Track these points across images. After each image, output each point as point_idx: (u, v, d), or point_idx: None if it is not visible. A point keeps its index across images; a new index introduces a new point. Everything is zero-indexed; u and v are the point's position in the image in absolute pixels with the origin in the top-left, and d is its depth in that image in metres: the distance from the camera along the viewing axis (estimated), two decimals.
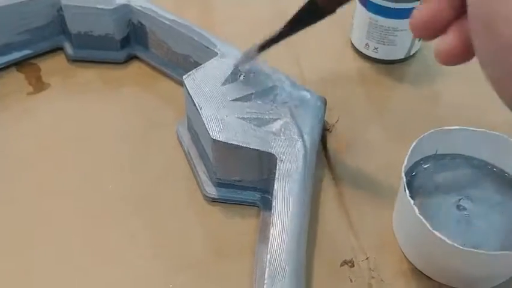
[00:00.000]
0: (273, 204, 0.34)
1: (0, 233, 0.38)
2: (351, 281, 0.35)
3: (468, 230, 0.35)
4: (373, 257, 0.37)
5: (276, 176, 0.35)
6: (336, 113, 0.45)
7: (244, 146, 0.36)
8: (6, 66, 0.47)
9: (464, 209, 0.36)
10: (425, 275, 0.36)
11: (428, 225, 0.32)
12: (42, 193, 0.40)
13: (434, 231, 0.32)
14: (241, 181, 0.39)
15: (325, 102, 0.42)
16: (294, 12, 0.34)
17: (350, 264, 0.36)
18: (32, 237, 0.37)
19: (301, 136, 0.38)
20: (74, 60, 0.48)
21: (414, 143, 0.36)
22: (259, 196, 0.39)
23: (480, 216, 0.35)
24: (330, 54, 0.51)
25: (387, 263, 0.36)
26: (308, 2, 0.33)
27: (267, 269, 0.31)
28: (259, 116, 0.38)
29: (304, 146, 0.37)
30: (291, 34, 0.36)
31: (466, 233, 0.35)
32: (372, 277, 0.36)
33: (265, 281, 0.30)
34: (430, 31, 0.25)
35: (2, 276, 0.36)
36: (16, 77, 0.47)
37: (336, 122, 0.44)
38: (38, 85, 0.46)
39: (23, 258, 0.36)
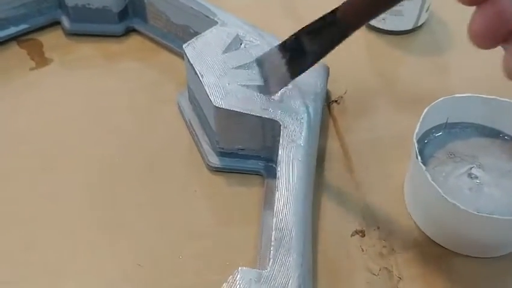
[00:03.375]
0: (278, 169, 0.34)
1: (3, 208, 0.37)
2: (362, 250, 0.35)
3: (480, 197, 0.35)
4: (384, 226, 0.36)
5: (280, 142, 0.35)
6: (343, 85, 0.44)
7: (247, 113, 0.36)
8: (6, 41, 0.47)
9: (476, 177, 0.36)
10: (436, 243, 0.36)
11: (441, 191, 0.32)
12: (46, 167, 0.39)
13: (446, 197, 0.31)
14: (245, 150, 0.38)
15: (327, 70, 0.41)
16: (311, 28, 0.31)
17: (360, 233, 0.36)
18: (37, 211, 0.37)
19: (305, 103, 0.37)
20: (71, 34, 0.47)
21: (426, 110, 0.35)
22: (263, 165, 0.38)
23: (492, 184, 0.35)
24: None
25: (398, 232, 0.36)
26: (329, 14, 0.29)
27: (274, 232, 0.31)
28: (261, 83, 0.37)
29: (308, 112, 0.37)
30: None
31: (477, 201, 0.34)
32: (384, 246, 0.36)
33: (272, 243, 0.30)
34: (493, 40, 0.22)
35: (7, 249, 0.35)
36: (17, 52, 0.47)
37: (344, 93, 0.44)
38: (40, 60, 0.46)
39: (28, 232, 0.36)
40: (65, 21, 0.47)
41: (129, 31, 0.48)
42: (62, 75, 0.45)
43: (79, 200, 0.38)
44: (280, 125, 0.36)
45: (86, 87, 0.44)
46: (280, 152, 0.35)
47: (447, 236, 0.35)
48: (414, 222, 0.37)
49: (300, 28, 0.34)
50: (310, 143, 0.36)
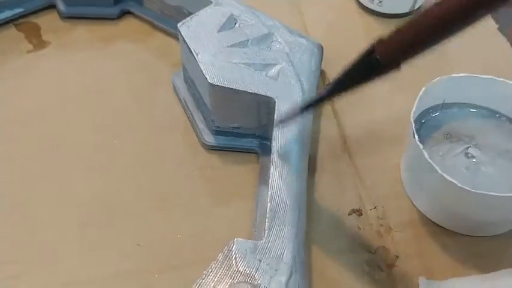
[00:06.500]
0: (273, 144, 0.34)
1: (3, 189, 0.37)
2: (359, 228, 0.36)
3: (477, 176, 0.35)
4: (381, 205, 0.37)
5: (275, 118, 0.35)
6: (341, 67, 0.44)
7: (242, 89, 0.36)
8: (2, 24, 0.47)
9: (473, 156, 0.36)
10: (433, 222, 0.36)
11: (438, 168, 0.32)
12: (44, 148, 0.39)
13: (443, 174, 0.32)
14: (240, 128, 0.39)
15: (321, 49, 0.41)
16: (347, 67, 0.28)
17: (358, 212, 0.36)
18: (36, 192, 0.37)
19: (299, 80, 0.38)
20: (66, 18, 0.47)
21: (423, 89, 0.36)
22: (258, 143, 0.39)
23: (488, 164, 0.35)
24: (335, 8, 0.50)
25: (396, 211, 0.36)
26: (365, 54, 0.26)
27: (269, 204, 0.31)
28: (256, 62, 0.38)
29: (303, 89, 0.37)
30: (341, 93, 0.30)
31: (474, 179, 0.35)
32: (381, 225, 0.36)
33: (267, 215, 0.30)
34: None
35: (9, 230, 0.35)
36: (14, 35, 0.46)
37: None
38: (38, 43, 0.46)
39: (27, 213, 0.36)
40: (61, 5, 0.47)
41: (124, 14, 0.48)
42: (59, 58, 0.45)
43: (77, 180, 0.38)
44: (275, 102, 0.36)
45: (82, 70, 0.44)
46: (275, 130, 0.35)
47: (444, 215, 0.35)
48: (411, 201, 0.37)
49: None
50: (304, 120, 0.36)
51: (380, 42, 0.24)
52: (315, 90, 0.39)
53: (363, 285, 0.33)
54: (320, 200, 0.37)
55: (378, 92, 0.43)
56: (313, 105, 0.33)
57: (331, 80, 0.29)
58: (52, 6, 0.48)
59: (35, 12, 0.48)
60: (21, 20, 0.47)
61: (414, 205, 0.37)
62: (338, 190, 0.38)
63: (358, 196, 0.37)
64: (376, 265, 0.34)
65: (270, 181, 0.32)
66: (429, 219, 0.36)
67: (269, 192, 0.31)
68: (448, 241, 0.35)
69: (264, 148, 0.38)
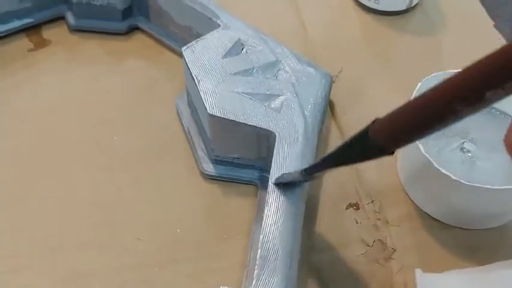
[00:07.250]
0: (269, 182, 0.33)
1: (5, 185, 0.37)
2: (356, 222, 0.36)
3: (472, 170, 0.35)
4: (378, 199, 0.37)
5: (274, 154, 0.34)
6: (339, 64, 0.44)
7: (242, 121, 0.35)
8: (10, 34, 0.46)
9: (468, 151, 0.36)
10: (429, 215, 0.36)
11: (433, 162, 0.32)
12: (44, 151, 0.40)
13: (439, 167, 0.32)
14: (240, 159, 0.37)
15: (330, 79, 0.40)
16: (344, 142, 0.27)
17: (355, 207, 0.37)
18: (38, 188, 0.38)
19: (303, 114, 0.36)
20: (75, 30, 0.47)
21: (419, 84, 0.36)
22: (258, 174, 0.37)
23: (484, 158, 0.36)
24: (332, 6, 0.50)
25: (392, 206, 0.37)
26: (360, 133, 0.25)
27: (259, 250, 0.30)
28: (260, 92, 0.36)
29: (306, 123, 0.36)
30: (339, 166, 0.29)
31: (470, 173, 0.35)
32: (378, 219, 0.36)
33: (257, 262, 0.29)
34: None
35: (8, 225, 0.35)
36: (21, 46, 0.46)
37: (339, 72, 0.44)
38: (44, 55, 0.45)
39: (29, 208, 0.36)
40: (70, 17, 0.47)
41: (133, 29, 0.47)
42: (64, 71, 0.45)
43: (78, 178, 0.38)
44: (276, 136, 0.34)
45: (87, 83, 0.44)
46: (273, 166, 0.33)
47: (440, 208, 0.36)
48: (408, 195, 0.37)
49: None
50: (305, 157, 0.35)
51: (374, 125, 0.24)
52: (319, 123, 0.38)
53: (360, 278, 0.33)
54: (317, 195, 0.37)
55: (377, 91, 0.43)
56: (310, 172, 0.31)
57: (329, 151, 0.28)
58: (61, 18, 0.47)
59: (43, 24, 0.47)
60: (29, 31, 0.47)
61: (410, 199, 0.37)
62: (336, 185, 0.38)
63: (355, 190, 0.37)
64: (373, 258, 0.34)
65: (263, 224, 0.31)
66: (426, 213, 0.36)
67: (261, 237, 0.30)
68: (444, 234, 0.35)
69: (263, 180, 0.37)
